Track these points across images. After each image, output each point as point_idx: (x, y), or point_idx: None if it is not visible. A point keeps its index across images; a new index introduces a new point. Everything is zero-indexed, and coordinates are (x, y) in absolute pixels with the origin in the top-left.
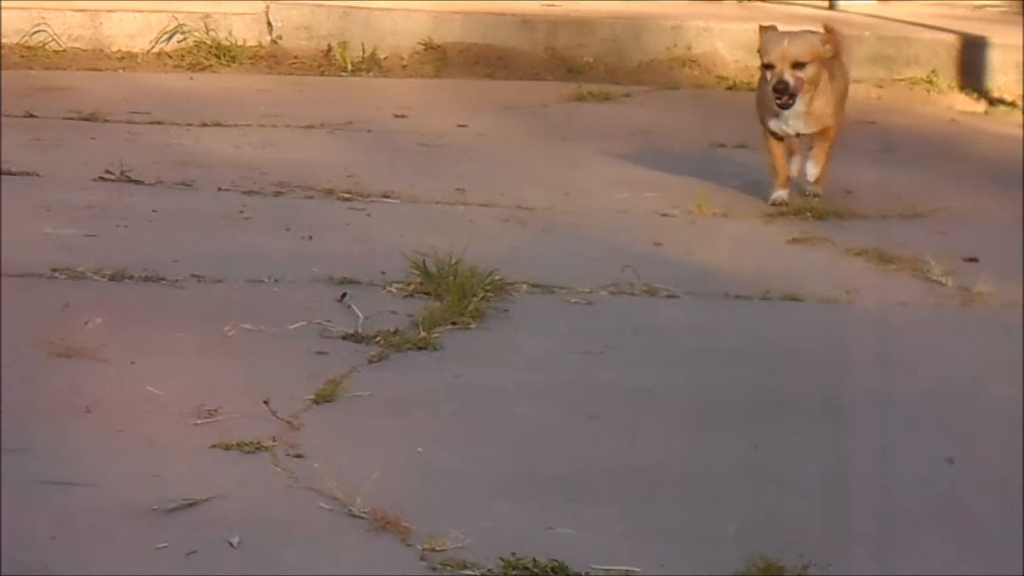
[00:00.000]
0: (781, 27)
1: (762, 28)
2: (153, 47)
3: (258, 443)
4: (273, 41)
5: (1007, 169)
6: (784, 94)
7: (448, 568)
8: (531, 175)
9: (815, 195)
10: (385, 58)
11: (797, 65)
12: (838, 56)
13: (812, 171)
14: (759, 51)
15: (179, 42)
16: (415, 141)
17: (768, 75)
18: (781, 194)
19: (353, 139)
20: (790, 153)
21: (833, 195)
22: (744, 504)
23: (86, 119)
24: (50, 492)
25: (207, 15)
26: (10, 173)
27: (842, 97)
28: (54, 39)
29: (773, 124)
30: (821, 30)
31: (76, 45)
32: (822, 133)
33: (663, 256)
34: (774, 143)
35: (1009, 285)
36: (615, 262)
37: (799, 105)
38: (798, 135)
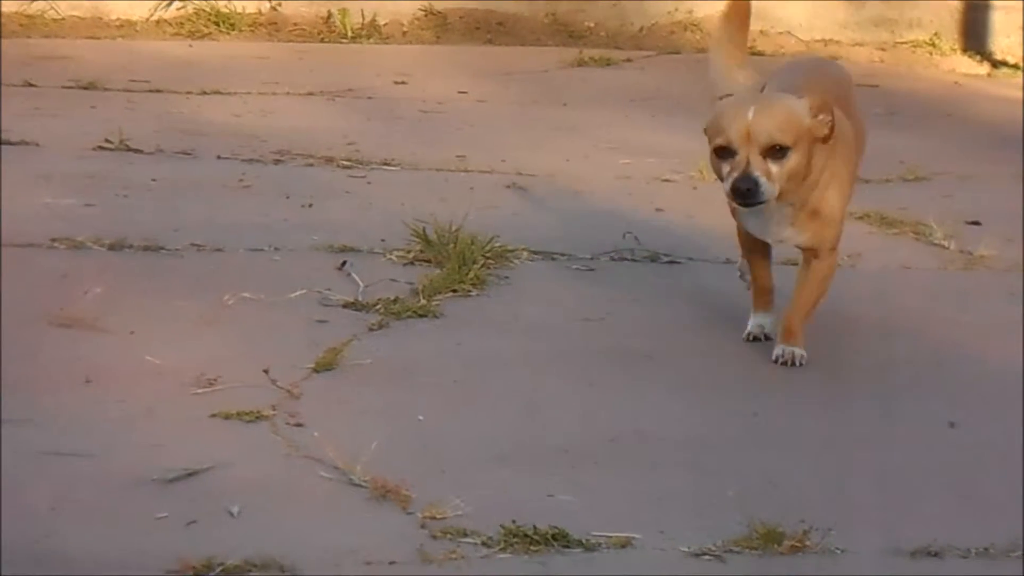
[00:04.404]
0: (738, 89)
1: (719, 100)
2: (152, 15)
3: (258, 412)
4: (273, 8)
5: (1010, 132)
6: (750, 197)
7: (448, 536)
8: (532, 141)
9: (782, 360)
10: (385, 24)
11: (773, 151)
12: (852, 116)
13: (782, 344)
14: (707, 129)
15: (178, 9)
16: (415, 108)
17: (724, 166)
18: (758, 322)
19: (353, 106)
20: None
21: None
22: (745, 470)
23: (85, 88)
24: (50, 463)
25: None
26: (9, 143)
27: (850, 177)
28: (52, 7)
29: (747, 223)
30: (804, 91)
31: (75, 13)
32: (817, 246)
33: (664, 222)
34: (751, 239)
35: (1011, 248)
36: (616, 228)
37: (777, 207)
38: (781, 242)
